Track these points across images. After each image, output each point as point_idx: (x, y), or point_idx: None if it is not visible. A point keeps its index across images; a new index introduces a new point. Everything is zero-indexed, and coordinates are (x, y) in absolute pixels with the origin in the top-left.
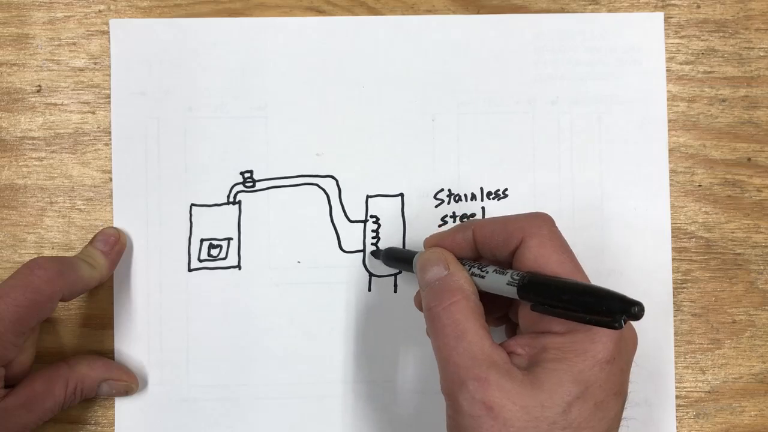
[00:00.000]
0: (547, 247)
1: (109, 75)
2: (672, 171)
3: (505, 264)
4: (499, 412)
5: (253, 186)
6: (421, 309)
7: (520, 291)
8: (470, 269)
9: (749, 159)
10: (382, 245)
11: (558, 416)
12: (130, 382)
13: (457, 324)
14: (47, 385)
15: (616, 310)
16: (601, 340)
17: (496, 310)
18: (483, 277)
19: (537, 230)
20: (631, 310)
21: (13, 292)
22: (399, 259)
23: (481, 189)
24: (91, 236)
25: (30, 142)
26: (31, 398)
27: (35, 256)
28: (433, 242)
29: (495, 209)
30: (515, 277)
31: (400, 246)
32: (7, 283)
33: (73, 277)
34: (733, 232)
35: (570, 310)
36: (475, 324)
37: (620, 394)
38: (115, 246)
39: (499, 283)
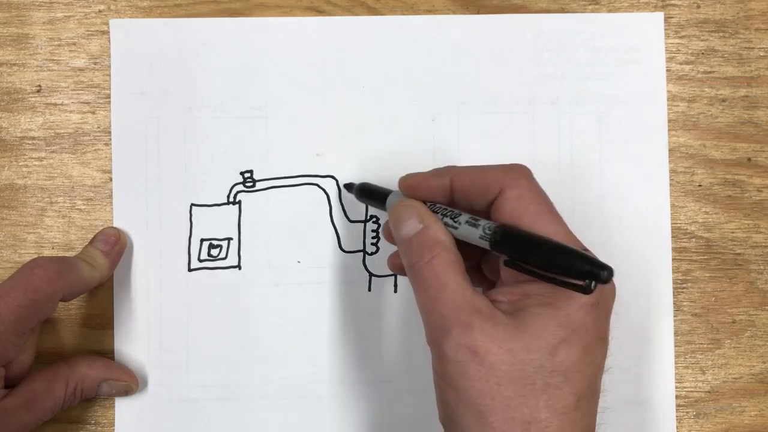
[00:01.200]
0: (526, 199)
1: (109, 75)
2: (672, 171)
3: (480, 213)
4: (484, 356)
5: (253, 186)
6: (394, 270)
7: (492, 245)
8: (443, 218)
9: (749, 159)
10: (382, 245)
11: (544, 359)
12: (130, 382)
13: (438, 277)
14: (47, 385)
15: (584, 273)
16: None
17: (467, 260)
18: (456, 228)
19: (515, 182)
20: (600, 274)
21: (14, 292)
22: (373, 195)
23: None
24: (91, 236)
25: (30, 142)
26: (31, 398)
27: (35, 256)
28: (408, 183)
29: None
30: (487, 231)
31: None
32: (7, 284)
33: (74, 277)
34: (733, 232)
35: (541, 268)
36: (456, 275)
37: (604, 339)
38: (115, 246)
39: (472, 235)
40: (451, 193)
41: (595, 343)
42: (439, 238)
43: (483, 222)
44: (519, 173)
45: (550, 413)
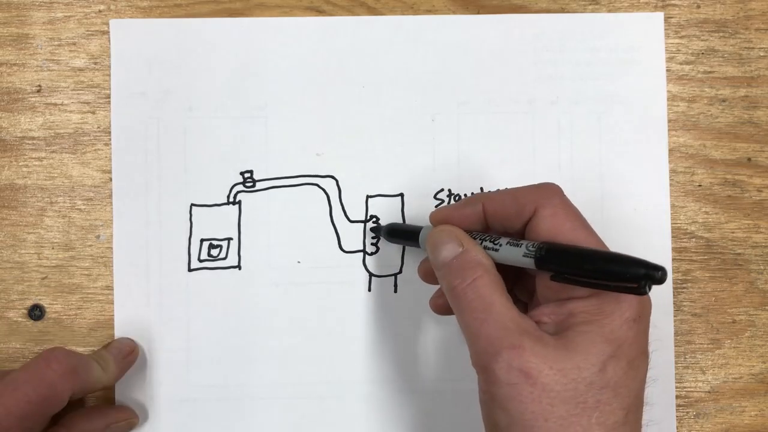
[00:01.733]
0: (560, 216)
1: (109, 75)
2: (672, 171)
3: (515, 235)
4: (537, 377)
5: (253, 186)
6: (424, 279)
7: (537, 262)
8: (482, 243)
9: (749, 159)
10: (382, 245)
11: (595, 376)
12: (131, 418)
13: (483, 298)
14: None
15: (639, 276)
16: (626, 299)
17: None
18: (497, 250)
19: (549, 200)
20: (655, 275)
21: (25, 386)
22: (403, 235)
23: (481, 189)
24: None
25: (30, 142)
26: None
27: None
28: (439, 217)
29: None
30: (531, 248)
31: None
32: (20, 376)
33: (85, 377)
34: (733, 232)
35: (592, 278)
36: (500, 296)
37: (646, 353)
38: (127, 356)
39: (515, 255)
40: (484, 220)
41: (639, 356)
42: (480, 260)
43: (524, 241)
44: (551, 192)
45: (601, 430)
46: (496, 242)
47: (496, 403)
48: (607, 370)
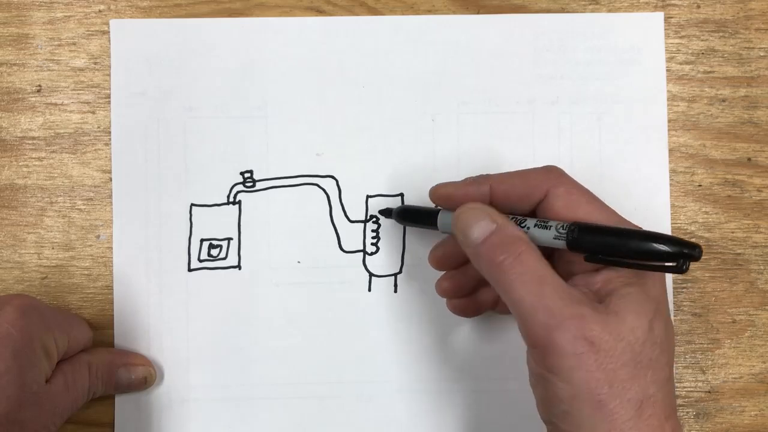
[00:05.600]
0: (575, 193)
1: (109, 75)
2: (672, 171)
3: (523, 215)
4: (599, 345)
5: (253, 186)
6: (435, 266)
7: (570, 244)
8: None
9: (749, 159)
10: (382, 245)
11: (645, 335)
12: (148, 366)
13: (534, 271)
14: (74, 367)
15: (678, 255)
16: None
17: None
18: (525, 232)
19: (559, 179)
20: (693, 253)
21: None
22: (418, 217)
23: None
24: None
25: (30, 142)
26: (64, 381)
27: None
28: (441, 194)
29: None
30: (561, 230)
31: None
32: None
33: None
34: (733, 232)
35: (628, 258)
36: (549, 269)
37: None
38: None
39: (545, 237)
40: (489, 201)
41: (669, 312)
42: (520, 234)
43: (553, 222)
44: (559, 172)
45: (655, 387)
46: (522, 224)
47: (559, 376)
48: (654, 327)
